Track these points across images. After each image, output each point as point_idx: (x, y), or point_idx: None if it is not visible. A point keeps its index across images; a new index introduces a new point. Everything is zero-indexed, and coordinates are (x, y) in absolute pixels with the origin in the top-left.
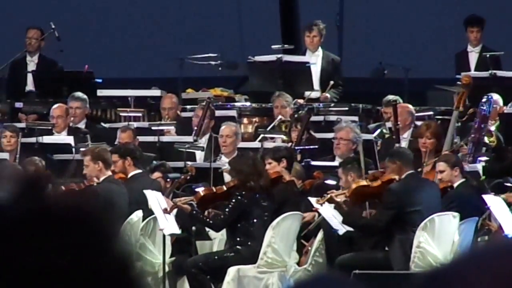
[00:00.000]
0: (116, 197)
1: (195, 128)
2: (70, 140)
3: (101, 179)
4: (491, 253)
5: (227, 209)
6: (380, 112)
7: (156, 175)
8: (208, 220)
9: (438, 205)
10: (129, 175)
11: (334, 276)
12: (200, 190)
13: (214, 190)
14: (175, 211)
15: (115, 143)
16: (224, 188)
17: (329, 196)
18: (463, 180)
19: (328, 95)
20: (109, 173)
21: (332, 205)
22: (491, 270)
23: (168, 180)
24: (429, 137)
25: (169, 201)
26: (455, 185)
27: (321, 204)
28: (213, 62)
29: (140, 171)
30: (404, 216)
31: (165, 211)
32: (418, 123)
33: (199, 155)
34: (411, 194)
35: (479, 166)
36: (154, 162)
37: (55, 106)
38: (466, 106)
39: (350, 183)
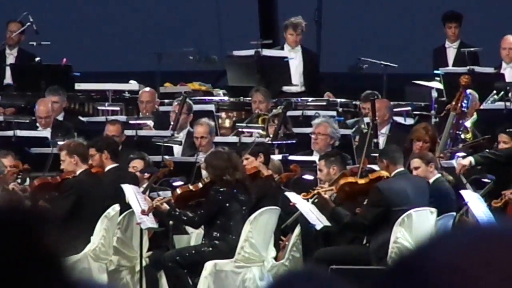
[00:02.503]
0: (93, 191)
1: (173, 122)
2: (47, 133)
3: (78, 172)
4: (454, 240)
5: (204, 206)
6: (358, 107)
7: (137, 162)
8: (185, 217)
9: (429, 203)
10: (106, 169)
11: (314, 271)
12: (177, 189)
13: (191, 187)
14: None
15: (104, 135)
16: (200, 184)
17: (316, 191)
18: (438, 175)
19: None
20: (86, 166)
21: (310, 200)
22: (462, 259)
23: (145, 174)
24: (427, 141)
25: (147, 198)
26: (431, 181)
27: (308, 199)
28: (191, 56)
29: (117, 164)
30: (389, 214)
31: (143, 212)
32: (397, 118)
33: (177, 149)
34: (399, 193)
35: (454, 162)
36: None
37: (41, 103)
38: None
39: (332, 176)
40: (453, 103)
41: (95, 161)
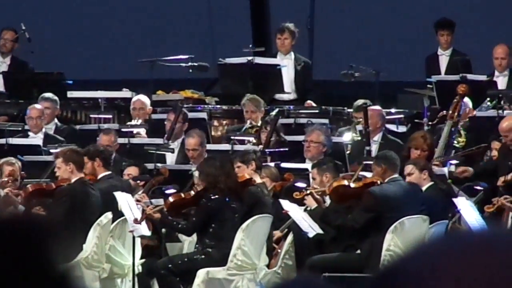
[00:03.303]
0: (87, 199)
1: (167, 131)
2: (39, 141)
3: (73, 180)
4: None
5: (196, 213)
6: (350, 115)
7: (132, 169)
8: (178, 225)
9: (421, 211)
10: (99, 177)
11: (309, 279)
12: (170, 197)
13: (183, 195)
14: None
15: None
16: (193, 192)
17: (309, 192)
18: (431, 183)
19: (311, 101)
20: (82, 174)
21: (302, 207)
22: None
23: (139, 182)
24: (425, 149)
25: (142, 202)
26: (424, 188)
27: (301, 198)
28: (183, 64)
29: (109, 172)
30: (381, 220)
31: (136, 221)
32: (389, 126)
33: (170, 157)
34: (391, 199)
35: (446, 170)
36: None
37: (32, 107)
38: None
39: (325, 184)
40: (450, 111)
41: (88, 169)
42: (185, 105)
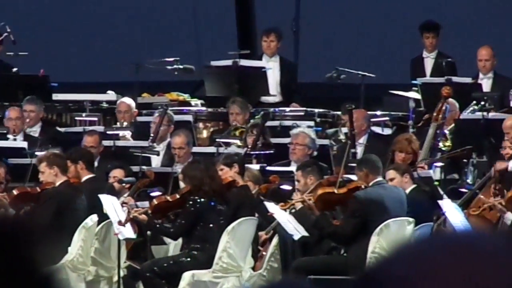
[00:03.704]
0: (73, 202)
1: (153, 134)
2: (24, 144)
3: (58, 183)
4: (427, 251)
5: (182, 216)
6: (335, 117)
7: (117, 172)
8: (164, 228)
9: (406, 213)
10: (83, 180)
11: (295, 282)
12: (154, 199)
13: (168, 198)
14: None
15: (81, 146)
16: (178, 195)
17: (302, 199)
18: (414, 186)
19: (296, 104)
20: (66, 177)
21: (288, 210)
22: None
23: (125, 184)
24: (410, 152)
25: (127, 205)
26: (407, 191)
27: (286, 210)
28: (169, 67)
29: (93, 175)
30: (367, 224)
31: (120, 223)
32: (374, 128)
33: (156, 160)
34: (377, 203)
35: (431, 172)
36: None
37: (11, 108)
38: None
39: (309, 186)
40: (434, 114)
41: (71, 172)
42: (170, 108)
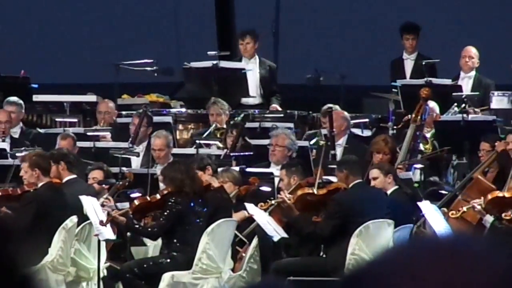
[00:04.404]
0: (54, 204)
1: (132, 135)
2: (5, 145)
3: (40, 185)
4: (408, 253)
5: (162, 217)
6: (315, 118)
7: (96, 173)
8: (144, 229)
9: (386, 215)
10: (64, 180)
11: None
12: (135, 200)
13: (149, 199)
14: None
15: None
16: (158, 196)
17: (282, 199)
18: (396, 187)
19: (276, 105)
20: (48, 178)
21: (267, 211)
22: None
23: (104, 186)
24: (387, 153)
25: (107, 206)
26: (388, 192)
27: (265, 210)
28: (148, 68)
29: (74, 176)
30: (347, 226)
31: (101, 223)
32: (354, 130)
33: (135, 161)
34: (356, 205)
35: (411, 174)
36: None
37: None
38: (422, 118)
39: (292, 186)
40: (413, 115)
41: (52, 172)
42: (150, 109)
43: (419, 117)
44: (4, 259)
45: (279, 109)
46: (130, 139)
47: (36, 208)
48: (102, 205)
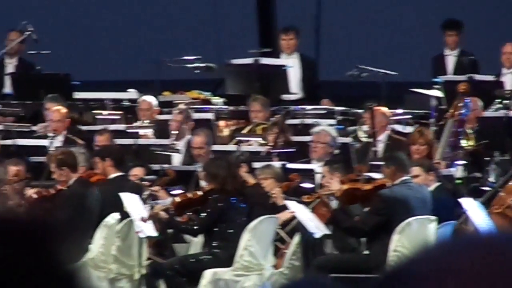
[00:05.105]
0: (86, 199)
1: (173, 132)
2: (46, 142)
3: (71, 182)
4: (450, 250)
5: (204, 214)
6: (357, 115)
7: (137, 170)
8: (185, 226)
9: (429, 211)
10: (110, 177)
11: (318, 280)
12: (176, 197)
13: (190, 195)
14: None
15: (93, 146)
16: (200, 192)
17: (318, 194)
18: (438, 184)
19: (327, 101)
20: (77, 175)
21: (310, 207)
22: (449, 268)
23: (145, 182)
24: (422, 144)
25: (158, 193)
26: (431, 189)
27: (310, 203)
28: (190, 65)
29: (120, 173)
30: (391, 222)
31: (143, 219)
32: (396, 126)
33: (178, 158)
34: (401, 202)
35: (453, 170)
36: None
37: (54, 109)
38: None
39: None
40: (451, 110)
41: (99, 169)
42: (191, 106)
43: (456, 112)
44: (48, 257)
45: (331, 104)
46: (173, 136)
47: (72, 205)
48: (151, 193)
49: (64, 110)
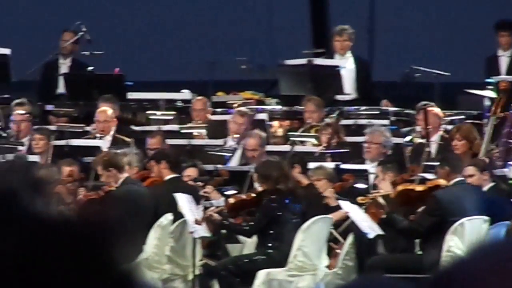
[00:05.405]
0: (137, 198)
1: (233, 134)
2: (99, 143)
3: (119, 182)
4: (502, 250)
5: (257, 215)
6: (409, 115)
7: (191, 171)
8: (238, 227)
9: (483, 212)
10: (165, 179)
11: (382, 279)
12: (230, 197)
13: (244, 196)
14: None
15: (145, 148)
16: (253, 194)
17: (373, 196)
18: (492, 184)
19: (386, 101)
20: (126, 175)
21: (362, 208)
22: (503, 268)
23: (198, 183)
24: (460, 139)
25: (210, 194)
26: (485, 189)
27: (364, 204)
28: (243, 65)
29: (176, 175)
30: (445, 224)
31: (197, 222)
32: (449, 127)
33: (235, 158)
34: (456, 203)
35: (507, 170)
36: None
37: (100, 110)
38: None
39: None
40: (492, 108)
41: (155, 172)
42: (246, 107)
43: (498, 110)
44: (104, 258)
45: (390, 105)
46: (234, 138)
47: (123, 205)
48: (203, 193)
49: (110, 110)
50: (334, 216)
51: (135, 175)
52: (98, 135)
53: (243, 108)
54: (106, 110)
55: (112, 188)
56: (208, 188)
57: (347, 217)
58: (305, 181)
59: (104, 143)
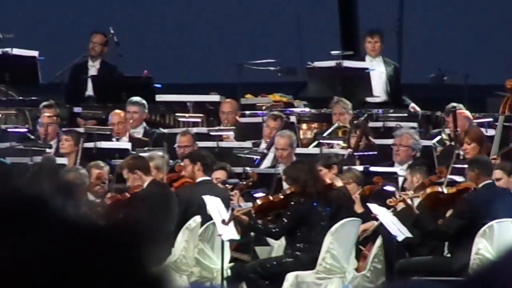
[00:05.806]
0: (164, 200)
1: (265, 138)
2: (128, 145)
3: (145, 185)
4: None
5: (285, 217)
6: (439, 118)
7: (219, 173)
8: (266, 229)
9: None
10: (197, 181)
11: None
12: (258, 199)
13: (271, 198)
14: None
15: (174, 146)
16: (281, 196)
17: (402, 198)
18: None
19: (414, 105)
20: (151, 177)
21: (391, 211)
22: None
23: (227, 185)
24: (469, 143)
25: (234, 200)
26: None
27: (393, 206)
28: (272, 68)
29: (208, 178)
30: (474, 227)
31: (223, 222)
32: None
33: (267, 161)
34: (485, 206)
35: None
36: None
37: (113, 112)
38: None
39: (414, 185)
40: (501, 107)
41: (187, 172)
42: (274, 109)
43: (506, 109)
44: (134, 261)
45: (418, 108)
46: (266, 142)
47: (150, 206)
48: (230, 196)
49: (123, 113)
50: (364, 226)
51: (166, 178)
52: (113, 137)
53: (276, 112)
54: (119, 113)
55: (137, 190)
56: (234, 192)
57: (376, 220)
58: (339, 183)
59: (122, 145)
